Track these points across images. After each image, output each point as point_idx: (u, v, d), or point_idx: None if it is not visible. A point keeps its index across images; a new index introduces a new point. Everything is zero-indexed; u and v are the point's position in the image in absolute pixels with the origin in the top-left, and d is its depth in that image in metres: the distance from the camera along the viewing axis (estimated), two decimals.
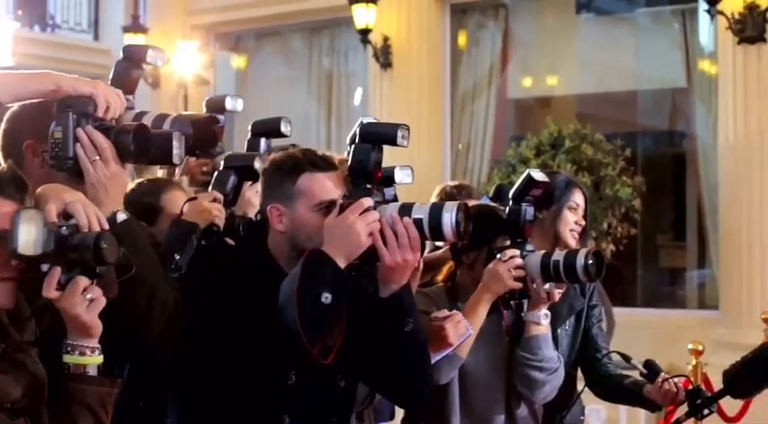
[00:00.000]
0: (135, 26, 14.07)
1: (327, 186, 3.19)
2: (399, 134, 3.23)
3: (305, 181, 3.19)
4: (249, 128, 4.11)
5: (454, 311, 3.73)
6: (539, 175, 3.96)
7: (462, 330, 3.65)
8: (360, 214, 3.05)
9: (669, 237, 13.40)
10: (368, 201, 3.09)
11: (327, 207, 3.15)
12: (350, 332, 3.14)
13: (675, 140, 13.41)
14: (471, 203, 5.07)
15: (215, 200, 3.68)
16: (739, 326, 9.62)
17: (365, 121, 3.58)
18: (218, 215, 3.67)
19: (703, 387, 7.22)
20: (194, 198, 3.77)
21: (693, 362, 7.43)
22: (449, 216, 3.08)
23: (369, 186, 3.21)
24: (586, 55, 12.97)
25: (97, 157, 2.84)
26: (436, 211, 3.10)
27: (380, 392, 3.62)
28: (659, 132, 13.67)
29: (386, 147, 3.51)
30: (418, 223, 3.09)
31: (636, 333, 9.82)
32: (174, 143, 2.94)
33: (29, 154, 2.92)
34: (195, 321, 3.13)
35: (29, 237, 2.39)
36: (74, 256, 2.46)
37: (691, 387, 4.08)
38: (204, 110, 3.92)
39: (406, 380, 3.34)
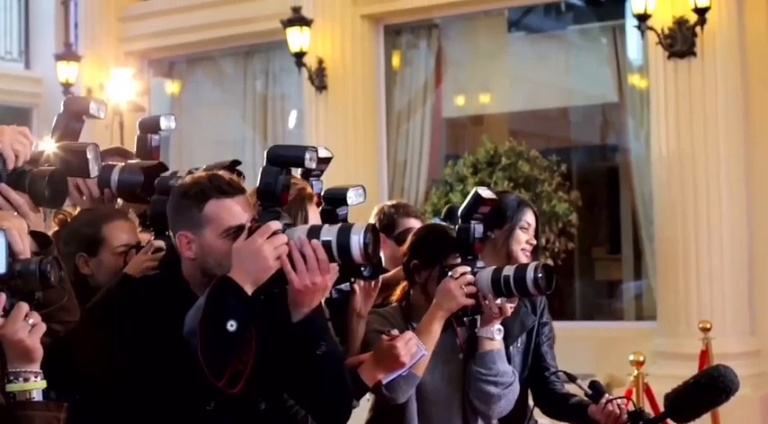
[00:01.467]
0: (68, 54, 13.95)
1: (235, 211, 3.16)
2: (307, 156, 3.24)
3: (211, 207, 3.15)
4: None
5: (396, 331, 3.75)
6: (486, 193, 3.98)
7: (414, 348, 3.66)
8: (267, 237, 3.04)
9: (605, 250, 13.54)
10: (275, 224, 3.07)
11: (236, 232, 3.13)
12: (261, 357, 3.13)
13: (608, 154, 13.57)
14: (419, 224, 5.15)
15: (158, 250, 3.61)
16: (677, 336, 9.76)
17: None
18: None
19: (645, 397, 7.40)
20: (138, 248, 3.71)
21: (635, 373, 7.53)
22: (357, 239, 3.08)
23: (277, 209, 3.18)
24: (518, 72, 13.10)
25: (15, 214, 2.82)
26: (344, 233, 3.10)
27: (306, 411, 3.58)
28: (592, 147, 13.83)
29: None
30: (327, 245, 3.08)
31: (575, 346, 9.93)
32: (89, 155, 2.96)
33: None
34: (115, 349, 3.11)
35: None
36: (17, 282, 2.49)
37: (633, 409, 4.10)
38: (138, 130, 3.90)
39: (323, 401, 3.34)
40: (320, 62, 12.09)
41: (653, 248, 10.77)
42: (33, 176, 2.87)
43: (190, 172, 3.85)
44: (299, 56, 11.86)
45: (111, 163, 3.26)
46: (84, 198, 3.13)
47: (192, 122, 14.22)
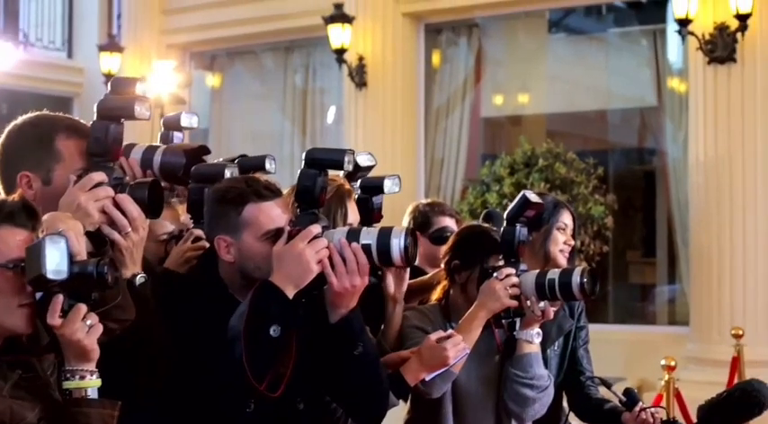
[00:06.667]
0: (111, 45, 14.02)
1: (273, 214, 3.17)
2: (346, 159, 3.25)
3: (250, 211, 3.16)
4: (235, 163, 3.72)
5: (450, 331, 3.75)
6: (534, 197, 3.98)
7: (461, 351, 3.68)
8: (308, 241, 3.07)
9: (639, 254, 13.51)
10: (316, 228, 3.10)
11: (274, 235, 3.15)
12: (302, 359, 3.16)
13: (646, 158, 13.55)
14: (453, 223, 5.16)
15: (197, 239, 3.59)
16: (710, 342, 9.75)
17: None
18: None
19: (676, 402, 7.41)
20: (179, 237, 3.67)
21: (666, 378, 7.54)
22: (397, 242, 3.13)
23: (315, 211, 3.21)
24: (557, 73, 13.10)
25: (129, 229, 2.87)
26: (384, 237, 3.14)
27: (342, 409, 3.59)
28: (629, 150, 13.81)
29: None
30: (366, 248, 3.12)
31: (608, 349, 9.92)
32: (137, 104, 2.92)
33: (23, 185, 2.91)
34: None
35: (56, 262, 2.46)
36: (75, 284, 2.52)
37: (666, 419, 4.13)
38: (162, 128, 3.88)
39: (359, 400, 3.38)
40: (360, 59, 12.12)
41: (687, 253, 10.76)
42: (133, 187, 2.90)
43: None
44: (340, 52, 11.88)
45: (154, 144, 3.27)
46: (128, 178, 3.14)
47: (232, 115, 14.31)
